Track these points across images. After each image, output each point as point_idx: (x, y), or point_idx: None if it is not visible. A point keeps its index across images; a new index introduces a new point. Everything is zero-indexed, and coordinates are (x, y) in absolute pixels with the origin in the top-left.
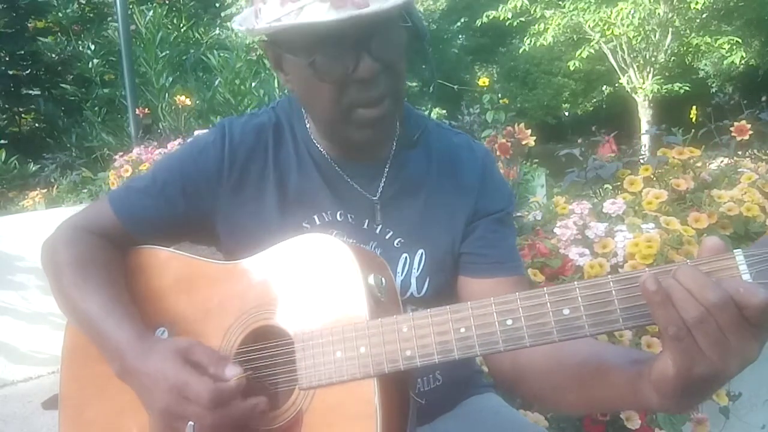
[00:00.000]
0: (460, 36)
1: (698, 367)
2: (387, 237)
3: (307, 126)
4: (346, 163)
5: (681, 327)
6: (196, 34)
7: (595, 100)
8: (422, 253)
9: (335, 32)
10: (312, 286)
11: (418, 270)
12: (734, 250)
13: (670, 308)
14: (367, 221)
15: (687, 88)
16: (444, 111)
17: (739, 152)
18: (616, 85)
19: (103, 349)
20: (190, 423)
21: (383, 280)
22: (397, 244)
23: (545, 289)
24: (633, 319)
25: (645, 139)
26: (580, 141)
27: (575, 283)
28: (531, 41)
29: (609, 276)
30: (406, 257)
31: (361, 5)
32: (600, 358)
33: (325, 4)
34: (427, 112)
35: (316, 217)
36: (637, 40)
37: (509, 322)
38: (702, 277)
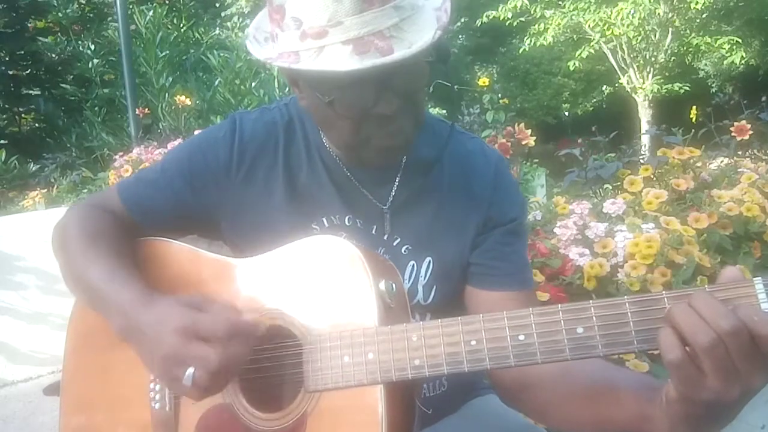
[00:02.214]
0: (460, 36)
1: (702, 393)
2: (395, 244)
3: (320, 129)
4: (356, 168)
5: (682, 354)
6: (196, 34)
7: (595, 100)
8: (430, 261)
9: (356, 75)
10: (322, 289)
11: (425, 278)
12: (754, 279)
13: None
14: (375, 227)
15: (687, 88)
16: (444, 111)
17: (739, 152)
18: (616, 85)
19: (106, 309)
20: (190, 370)
21: (394, 285)
22: (404, 251)
23: (559, 305)
24: (648, 341)
25: (645, 139)
26: (580, 141)
27: (590, 302)
28: (531, 41)
29: (626, 297)
30: (413, 264)
31: (385, 52)
32: (611, 379)
33: (347, 47)
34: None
35: (324, 219)
36: (637, 40)
37: (521, 337)
38: (716, 304)
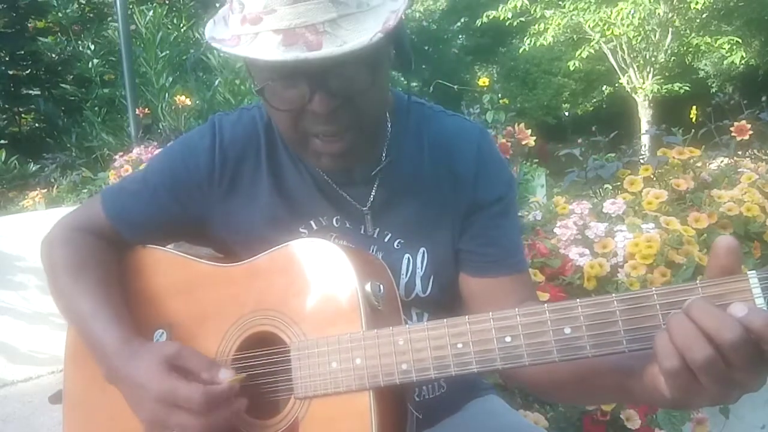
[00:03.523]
0: (460, 36)
1: (696, 399)
2: (386, 240)
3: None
4: (333, 171)
5: (679, 364)
6: (196, 34)
7: (595, 100)
8: (424, 252)
9: (286, 67)
10: (309, 294)
11: (421, 269)
12: (748, 272)
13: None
14: (363, 227)
15: (687, 88)
16: None
17: (739, 152)
18: (616, 85)
19: (92, 351)
20: None
21: (381, 287)
22: (397, 246)
23: (546, 305)
24: (637, 341)
25: (645, 139)
26: (580, 141)
27: (578, 300)
28: (531, 41)
29: (613, 295)
30: (408, 258)
31: (313, 46)
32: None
33: (277, 37)
34: None
35: (312, 222)
36: (637, 40)
37: (508, 339)
38: (717, 313)
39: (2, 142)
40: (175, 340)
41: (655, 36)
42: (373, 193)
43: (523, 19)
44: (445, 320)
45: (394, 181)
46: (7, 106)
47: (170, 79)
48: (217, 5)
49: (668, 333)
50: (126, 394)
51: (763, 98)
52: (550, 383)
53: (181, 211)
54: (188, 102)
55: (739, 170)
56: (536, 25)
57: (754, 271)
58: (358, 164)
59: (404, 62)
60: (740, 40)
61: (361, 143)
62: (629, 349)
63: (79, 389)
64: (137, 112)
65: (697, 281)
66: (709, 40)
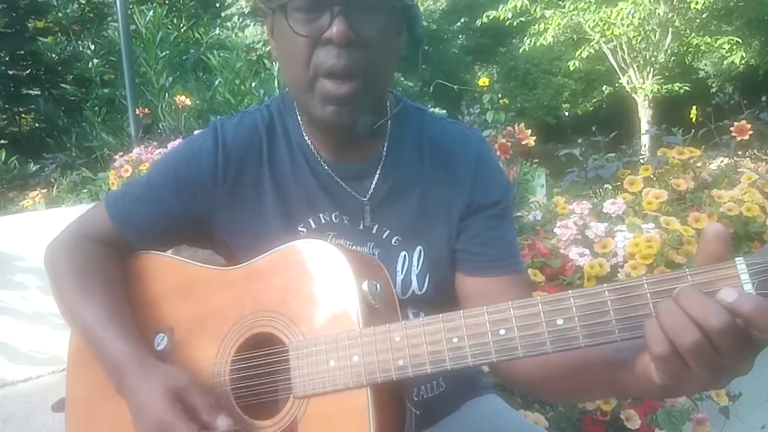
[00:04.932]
0: (460, 36)
1: (687, 385)
2: (384, 236)
3: (300, 124)
4: (336, 164)
5: (669, 348)
6: (196, 34)
7: (595, 100)
8: (421, 250)
9: None
10: (306, 294)
11: (417, 267)
12: (736, 258)
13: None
14: (361, 222)
15: (687, 88)
16: (444, 111)
17: (739, 152)
18: (616, 85)
19: (99, 360)
20: None
21: (378, 286)
22: (394, 243)
23: (539, 298)
24: (629, 330)
25: (645, 139)
26: (580, 141)
27: (569, 292)
28: (531, 41)
29: (605, 285)
30: (405, 255)
31: None
32: (584, 352)
33: None
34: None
35: (311, 220)
36: (637, 40)
37: (502, 332)
38: (704, 300)
39: (2, 142)
40: (177, 345)
41: (655, 36)
42: (373, 186)
43: (523, 19)
44: (440, 315)
45: (393, 177)
46: (7, 106)
47: (170, 79)
48: (217, 5)
49: (657, 319)
50: (131, 407)
51: (763, 98)
52: (542, 380)
53: (186, 213)
54: (188, 102)
55: (739, 170)
56: (536, 25)
57: (741, 258)
58: (358, 121)
59: (414, 41)
60: (740, 40)
61: (365, 96)
62: (621, 338)
63: (82, 398)
64: (137, 112)
65: (686, 269)
66: (709, 40)
